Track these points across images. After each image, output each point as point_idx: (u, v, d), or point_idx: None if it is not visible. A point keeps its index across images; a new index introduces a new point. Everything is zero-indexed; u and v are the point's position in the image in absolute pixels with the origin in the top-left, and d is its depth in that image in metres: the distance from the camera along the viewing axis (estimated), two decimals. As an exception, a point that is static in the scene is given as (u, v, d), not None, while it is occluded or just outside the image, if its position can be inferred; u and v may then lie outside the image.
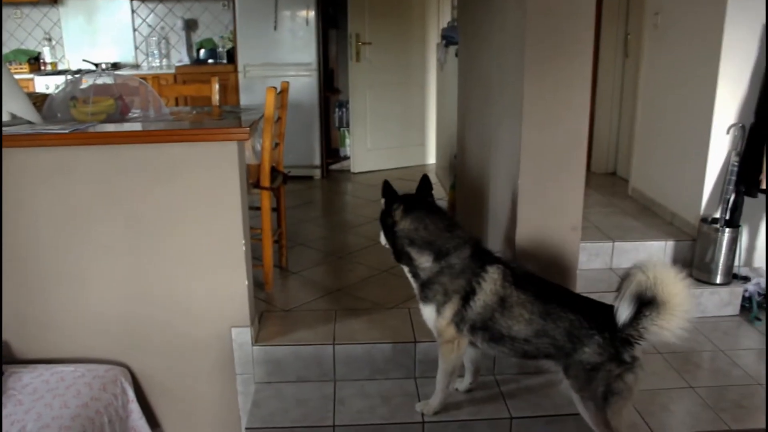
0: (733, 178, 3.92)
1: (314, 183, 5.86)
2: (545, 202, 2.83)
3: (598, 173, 5.73)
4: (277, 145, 3.65)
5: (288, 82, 3.71)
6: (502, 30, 3.08)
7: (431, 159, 6.31)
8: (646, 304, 2.23)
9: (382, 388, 2.97)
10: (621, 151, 5.53)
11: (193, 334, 2.99)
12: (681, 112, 4.36)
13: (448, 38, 4.39)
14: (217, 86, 3.97)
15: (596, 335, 2.34)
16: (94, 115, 3.15)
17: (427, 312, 2.60)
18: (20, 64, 6.20)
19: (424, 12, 5.83)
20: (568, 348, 2.39)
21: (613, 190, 5.20)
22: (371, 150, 6.04)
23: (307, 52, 5.60)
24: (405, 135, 6.13)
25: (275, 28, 5.48)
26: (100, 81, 3.64)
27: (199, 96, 4.19)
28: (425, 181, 2.63)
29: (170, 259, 2.89)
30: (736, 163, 3.91)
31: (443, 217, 2.56)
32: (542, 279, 2.56)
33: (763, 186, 3.77)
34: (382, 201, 2.56)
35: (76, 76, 3.61)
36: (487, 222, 3.52)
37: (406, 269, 2.62)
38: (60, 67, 6.37)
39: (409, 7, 5.89)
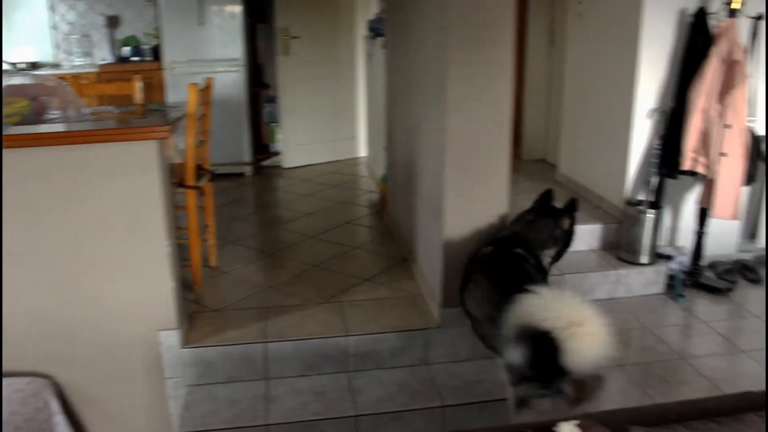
0: (655, 160, 4.03)
1: (245, 180, 5.79)
2: (471, 192, 2.85)
3: (528, 160, 5.81)
4: (202, 142, 3.58)
5: (212, 79, 3.65)
6: (424, 20, 3.08)
7: (363, 152, 6.31)
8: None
9: (315, 383, 2.96)
10: (550, 137, 5.63)
11: (119, 340, 2.91)
12: (604, 98, 4.46)
13: (375, 30, 4.38)
14: (139, 84, 3.86)
15: None
16: (7, 117, 3.03)
17: None
18: (-69, 64, 5.91)
19: (353, 4, 5.80)
20: None
21: (543, 176, 5.28)
22: (302, 145, 5.98)
23: (234, 48, 5.51)
24: (336, 128, 6.10)
25: (200, 23, 5.37)
26: (14, 81, 3.52)
27: (123, 95, 4.08)
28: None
29: (92, 262, 2.80)
30: (657, 147, 4.03)
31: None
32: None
33: (684, 168, 3.89)
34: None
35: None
36: (416, 213, 3.54)
37: None
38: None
39: (336, 2, 5.86)
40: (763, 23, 3.77)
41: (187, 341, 2.99)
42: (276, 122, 6.02)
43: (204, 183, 3.56)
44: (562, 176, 5.09)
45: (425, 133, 3.15)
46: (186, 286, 3.49)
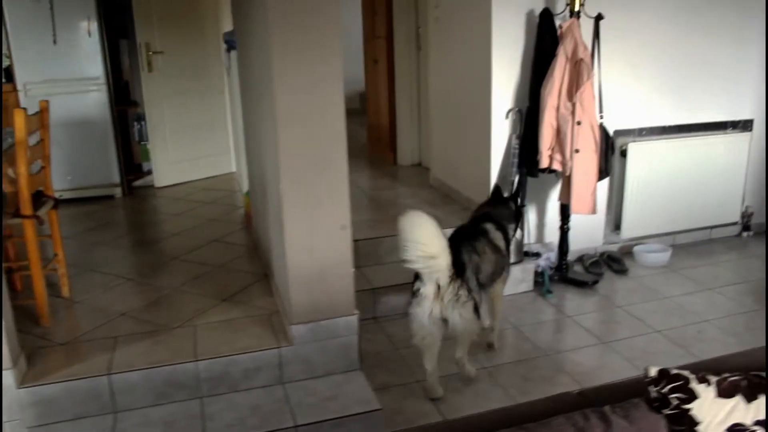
0: (516, 160, 4.10)
1: (114, 202, 5.56)
2: (310, 203, 2.79)
3: (404, 165, 5.84)
4: (42, 168, 3.39)
5: (47, 101, 3.45)
6: (257, 31, 3.01)
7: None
8: None
9: (165, 413, 2.83)
10: (423, 142, 5.66)
11: (-51, 384, 2.71)
12: (465, 100, 4.51)
13: (229, 43, 4.28)
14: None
15: None
16: None
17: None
18: None
19: (217, 17, 5.67)
20: None
21: (418, 180, 5.31)
22: (174, 163, 5.80)
23: (94, 66, 5.27)
24: (209, 144, 5.94)
25: (55, 41, 5.12)
26: None
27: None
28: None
29: None
30: (516, 146, 4.09)
31: None
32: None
33: (542, 166, 3.96)
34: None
35: None
36: (269, 228, 3.45)
37: None
38: None
39: (200, 13, 5.69)
40: (601, 23, 3.89)
41: (24, 380, 2.80)
42: (147, 141, 5.81)
43: (46, 211, 3.37)
44: (435, 180, 5.12)
45: (267, 147, 3.08)
46: (32, 320, 3.30)
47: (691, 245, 4.78)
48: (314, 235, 2.82)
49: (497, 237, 3.23)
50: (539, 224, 4.38)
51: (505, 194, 3.65)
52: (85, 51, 5.26)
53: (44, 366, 2.92)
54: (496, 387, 3.13)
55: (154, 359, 2.92)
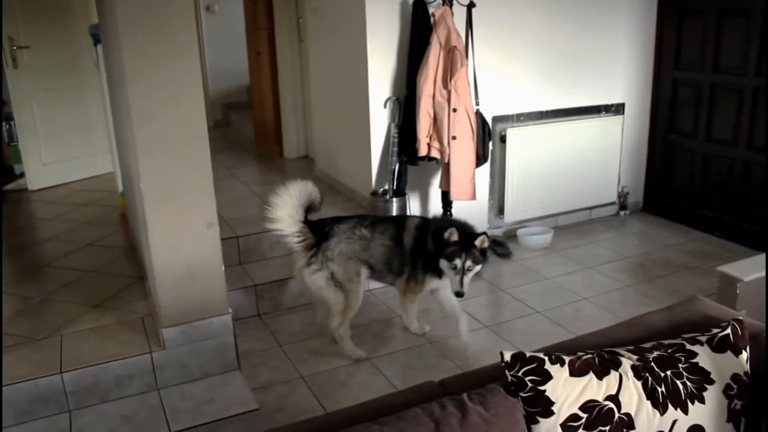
0: (395, 149, 4.10)
1: (-17, 208, 5.24)
2: (173, 201, 2.68)
3: (291, 158, 5.76)
4: None
5: None
6: (112, 23, 2.87)
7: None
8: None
9: (31, 431, 2.68)
10: (309, 134, 5.60)
11: None
12: (343, 90, 4.48)
13: (95, 37, 4.08)
14: None
15: None
16: None
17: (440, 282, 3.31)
18: None
19: (87, 10, 5.38)
20: None
21: (304, 173, 5.24)
22: (49, 164, 5.48)
23: (-51, 63, 4.94)
24: (86, 143, 5.65)
25: None
26: None
27: None
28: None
29: None
30: (396, 135, 4.09)
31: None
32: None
33: (420, 154, 3.98)
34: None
35: None
36: (139, 228, 3.32)
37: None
38: None
39: (68, 5, 5.38)
40: (474, 11, 3.94)
41: None
42: (16, 142, 5.48)
43: None
44: (320, 172, 5.07)
45: (129, 144, 2.95)
46: None
47: (573, 226, 4.94)
48: (179, 235, 2.72)
49: (409, 235, 3.25)
50: (422, 212, 4.40)
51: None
52: (-64, 47, 4.90)
53: None
54: (379, 377, 3.12)
55: (15, 374, 2.73)
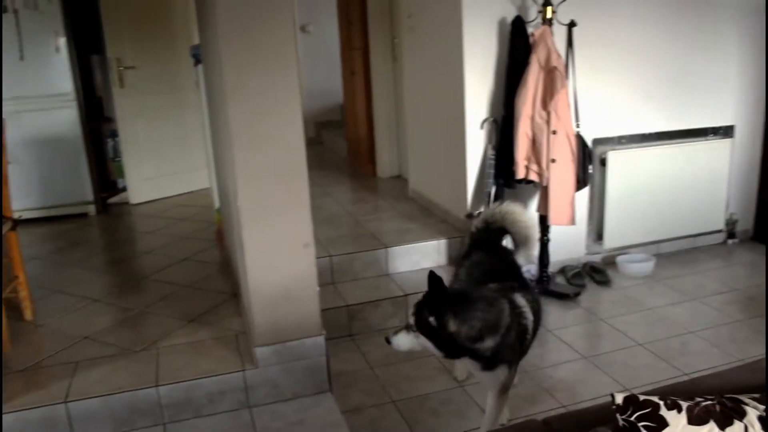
0: (492, 171, 4.01)
1: (88, 220, 5.45)
2: (270, 222, 2.68)
3: (384, 178, 5.75)
4: (-2, 188, 3.29)
5: (2, 119, 3.36)
6: (213, 42, 2.92)
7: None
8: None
9: (127, 441, 2.73)
10: (402, 153, 5.58)
11: None
12: (439, 110, 4.43)
13: (196, 56, 4.20)
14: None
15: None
16: None
17: (498, 374, 2.47)
18: None
19: (188, 31, 5.57)
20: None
21: (397, 193, 5.22)
22: (149, 179, 5.69)
23: (64, 82, 5.17)
24: (185, 160, 5.84)
25: (22, 58, 5.02)
26: None
27: None
28: (434, 278, 2.31)
29: None
30: (492, 157, 4.00)
31: (478, 297, 2.38)
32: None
33: (518, 176, 3.88)
34: (432, 319, 2.25)
35: None
36: (235, 245, 3.36)
37: (465, 358, 2.43)
38: None
39: (171, 27, 5.59)
40: (575, 30, 3.82)
41: (-22, 410, 2.69)
42: (120, 157, 5.72)
43: (3, 232, 3.25)
44: (413, 192, 5.03)
45: (227, 162, 2.98)
46: (-10, 346, 3.19)
47: (675, 254, 4.70)
48: (275, 254, 2.71)
49: None
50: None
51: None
52: (53, 67, 5.16)
53: (0, 395, 2.81)
54: (473, 406, 3.02)
55: (115, 385, 2.80)
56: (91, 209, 5.50)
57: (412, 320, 2.33)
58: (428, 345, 2.30)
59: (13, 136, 4.81)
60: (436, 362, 3.33)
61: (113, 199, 5.83)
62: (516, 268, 2.86)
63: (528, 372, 3.29)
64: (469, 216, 4.04)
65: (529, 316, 2.52)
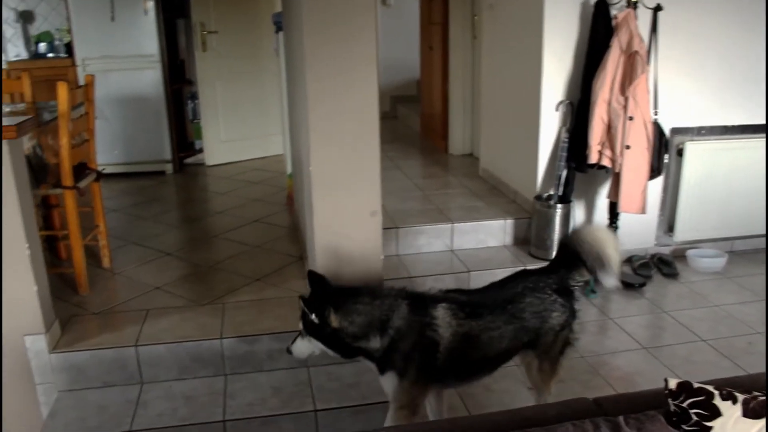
0: (564, 154, 3.97)
1: (165, 178, 5.65)
2: (340, 188, 2.75)
3: (456, 155, 5.75)
4: (85, 141, 3.45)
5: (93, 76, 3.52)
6: (296, 12, 2.98)
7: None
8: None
9: (189, 387, 2.85)
10: (475, 131, 5.56)
11: (-16, 346, 2.79)
12: (515, 90, 4.40)
13: (277, 24, 4.28)
14: (27, 82, 3.74)
15: (558, 299, 2.42)
16: None
17: (388, 380, 2.33)
18: None
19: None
20: (538, 326, 2.42)
21: (467, 171, 5.22)
22: (225, 141, 5.86)
23: (150, 44, 5.36)
24: (261, 125, 5.97)
25: (113, 19, 5.22)
26: None
27: (19, 92, 3.93)
28: (315, 276, 2.36)
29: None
30: (566, 140, 3.96)
31: (362, 292, 2.33)
32: (479, 290, 2.48)
33: (591, 161, 3.83)
34: (313, 316, 2.24)
35: None
36: (304, 210, 3.44)
37: (361, 358, 2.36)
38: None
39: (254, -7, 5.74)
40: (661, 14, 3.72)
41: (56, 346, 2.86)
42: (199, 119, 5.89)
43: (87, 183, 3.42)
44: (484, 171, 5.02)
45: (301, 129, 3.05)
46: (72, 288, 3.37)
47: (750, 252, 4.55)
48: (343, 220, 2.78)
49: None
50: (586, 222, 4.23)
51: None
52: (141, 29, 5.35)
53: (77, 333, 2.99)
54: (521, 386, 3.03)
55: (182, 334, 2.94)
56: (169, 168, 5.70)
57: (300, 324, 2.30)
58: (320, 346, 2.28)
59: (100, 93, 5.00)
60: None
61: (189, 160, 6.02)
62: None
63: (584, 357, 3.28)
64: (538, 198, 4.02)
65: (444, 333, 2.27)
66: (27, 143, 3.04)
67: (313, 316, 2.23)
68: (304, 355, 2.37)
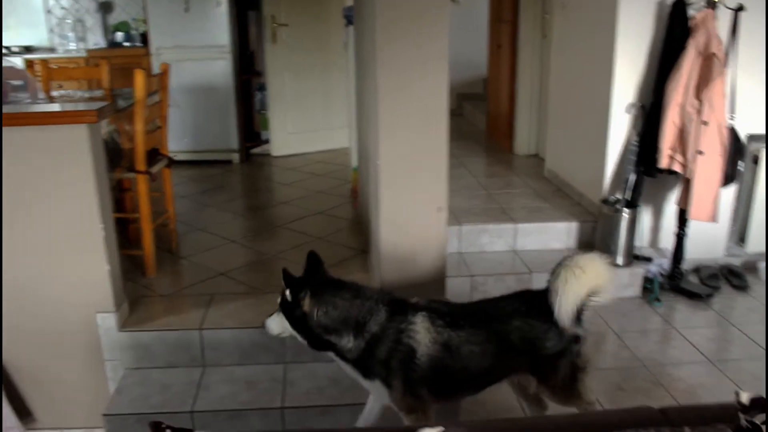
0: (633, 157, 3.89)
1: (231, 167, 5.77)
2: (407, 183, 2.76)
3: (520, 155, 5.70)
4: (158, 128, 3.55)
5: (168, 64, 3.62)
6: (368, 7, 3.00)
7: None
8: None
9: (250, 372, 2.91)
10: (541, 132, 5.50)
11: (59, 321, 2.90)
12: (584, 91, 4.33)
13: (348, 18, 4.31)
14: (106, 69, 3.87)
15: (553, 327, 2.26)
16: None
17: (377, 388, 2.32)
18: (-69, 46, 6.02)
19: (343, -8, 5.75)
20: (532, 351, 2.30)
21: (532, 171, 5.17)
22: (292, 133, 5.94)
23: (221, 35, 5.48)
24: (327, 117, 6.04)
25: (187, 9, 5.35)
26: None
27: (96, 79, 4.09)
28: (313, 258, 2.34)
29: (29, 245, 2.78)
30: (635, 143, 3.88)
31: (346, 287, 2.29)
32: (467, 304, 2.44)
33: (661, 166, 3.74)
34: (287, 292, 2.24)
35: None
36: (369, 204, 3.46)
37: (331, 354, 2.31)
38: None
39: (325, -12, 5.80)
40: (742, 15, 3.60)
41: (125, 324, 2.96)
42: (267, 110, 5.99)
43: (159, 168, 3.52)
44: (549, 172, 4.96)
45: (370, 123, 3.07)
46: (140, 270, 3.48)
47: (827, 268, 4.38)
48: (409, 214, 2.79)
49: None
50: (654, 227, 4.14)
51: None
52: (214, 20, 5.48)
53: (144, 314, 3.08)
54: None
55: (244, 320, 3.00)
56: (236, 157, 5.82)
57: (279, 299, 2.26)
58: (288, 327, 2.24)
59: (173, 82, 5.13)
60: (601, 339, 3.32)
61: (256, 150, 6.13)
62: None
63: (646, 366, 3.21)
64: (605, 201, 3.95)
65: (422, 339, 2.21)
66: (105, 128, 3.14)
67: (287, 293, 2.22)
68: (274, 332, 2.34)
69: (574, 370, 2.35)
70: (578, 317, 2.29)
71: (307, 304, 2.20)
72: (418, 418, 2.28)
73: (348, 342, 2.21)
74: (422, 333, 2.21)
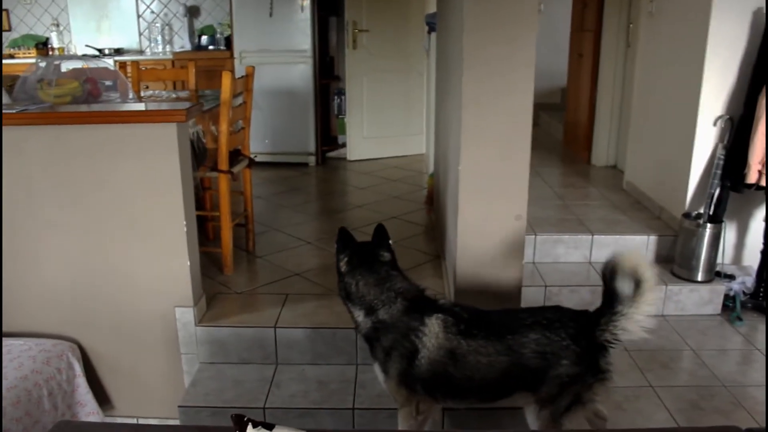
0: (719, 171, 3.76)
1: (308, 170, 5.87)
2: (487, 189, 2.74)
3: (598, 166, 5.58)
4: (241, 129, 3.63)
5: (253, 67, 3.70)
6: (455, 13, 3.00)
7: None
8: (619, 300, 2.14)
9: (321, 372, 2.95)
10: (621, 143, 5.38)
11: (139, 313, 3.01)
12: (669, 102, 4.21)
13: (430, 25, 4.32)
14: (192, 71, 3.99)
15: (572, 345, 2.17)
16: (58, 97, 3.18)
17: (376, 371, 2.38)
18: (28, 48, 6.34)
19: (423, 0, 5.76)
20: (543, 368, 2.19)
21: (610, 183, 5.06)
22: (368, 138, 6.00)
23: (303, 40, 5.59)
24: (403, 123, 6.08)
25: (271, 14, 5.48)
26: (72, 65, 3.67)
27: (182, 80, 4.23)
28: (380, 230, 2.48)
29: (116, 237, 2.91)
30: (722, 157, 3.75)
31: (378, 271, 2.36)
32: (491, 312, 2.36)
33: (749, 181, 3.61)
34: (336, 244, 2.44)
35: (47, 59, 3.66)
36: (446, 210, 3.45)
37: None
38: (67, 52, 6.48)
39: (407, -6, 5.84)
40: (844, 26, 3.44)
41: (202, 320, 3.05)
42: (345, 115, 6.06)
43: (240, 168, 3.61)
44: (628, 184, 4.84)
45: (452, 130, 3.07)
46: (218, 267, 3.57)
47: None
48: (488, 221, 2.77)
49: None
50: (737, 244, 4.00)
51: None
52: (296, 25, 5.59)
53: (221, 310, 3.16)
54: (660, 409, 2.90)
55: (318, 321, 3.04)
56: (312, 160, 5.92)
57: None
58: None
59: (255, 84, 5.26)
60: (628, 357, 3.24)
61: (332, 154, 6.22)
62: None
63: (727, 387, 3.09)
64: (686, 216, 3.84)
65: (427, 342, 2.20)
66: (191, 128, 3.24)
67: (336, 244, 2.45)
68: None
69: (574, 402, 2.22)
70: (603, 348, 2.19)
71: (342, 265, 2.40)
72: (410, 414, 2.33)
73: (358, 316, 2.36)
74: (430, 336, 2.22)
